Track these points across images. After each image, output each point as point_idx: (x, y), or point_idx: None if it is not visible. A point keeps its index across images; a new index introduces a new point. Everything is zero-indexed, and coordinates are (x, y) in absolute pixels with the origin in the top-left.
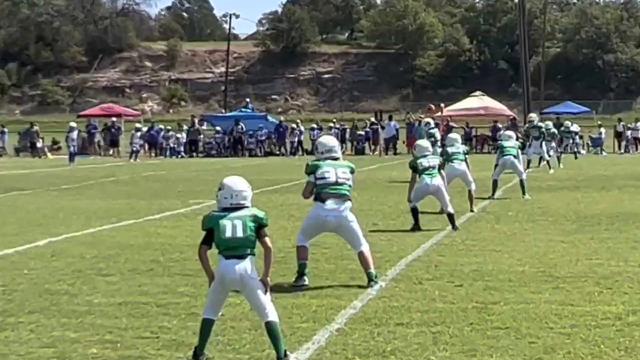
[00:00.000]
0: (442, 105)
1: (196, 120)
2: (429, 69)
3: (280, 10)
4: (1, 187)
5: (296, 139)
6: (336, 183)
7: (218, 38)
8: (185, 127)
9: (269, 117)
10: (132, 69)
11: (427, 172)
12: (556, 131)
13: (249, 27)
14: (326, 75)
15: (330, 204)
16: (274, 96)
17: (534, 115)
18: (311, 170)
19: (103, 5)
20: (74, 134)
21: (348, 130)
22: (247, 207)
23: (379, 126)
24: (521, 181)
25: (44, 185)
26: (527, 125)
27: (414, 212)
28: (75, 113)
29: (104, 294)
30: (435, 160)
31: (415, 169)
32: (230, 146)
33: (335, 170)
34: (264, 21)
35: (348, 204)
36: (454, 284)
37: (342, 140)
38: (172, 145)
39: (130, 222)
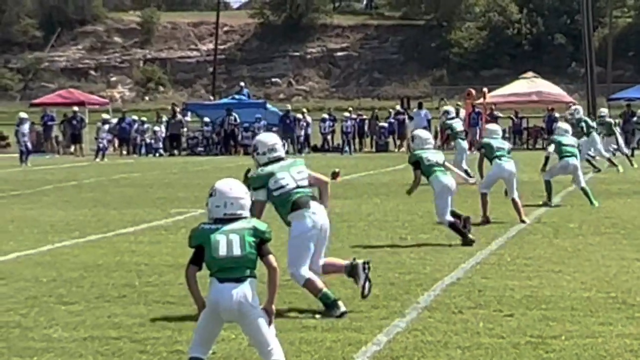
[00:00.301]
0: (485, 89)
1: (178, 110)
2: (468, 45)
3: None
4: None
5: (302, 133)
6: (298, 187)
7: (205, 7)
8: (164, 119)
9: (269, 106)
10: (98, 46)
11: (438, 169)
12: (613, 122)
13: None
14: (339, 53)
15: (313, 206)
16: (274, 79)
17: (575, 108)
18: (262, 183)
19: None
20: (26, 128)
21: (367, 121)
22: (244, 218)
23: (406, 116)
24: (583, 190)
25: None
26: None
27: (453, 227)
28: (28, 101)
29: (65, 327)
30: (441, 157)
31: (419, 166)
32: (220, 142)
33: (289, 173)
34: None
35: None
36: (503, 314)
37: (361, 134)
38: (148, 140)
39: (97, 237)
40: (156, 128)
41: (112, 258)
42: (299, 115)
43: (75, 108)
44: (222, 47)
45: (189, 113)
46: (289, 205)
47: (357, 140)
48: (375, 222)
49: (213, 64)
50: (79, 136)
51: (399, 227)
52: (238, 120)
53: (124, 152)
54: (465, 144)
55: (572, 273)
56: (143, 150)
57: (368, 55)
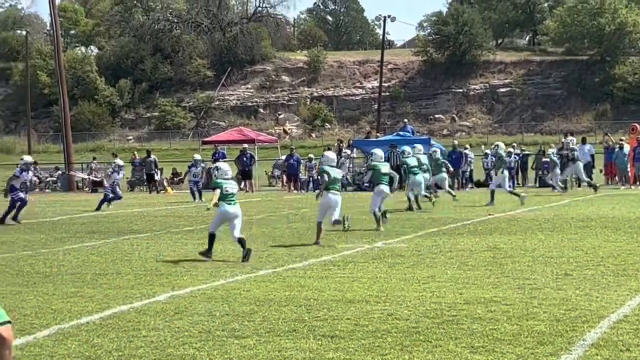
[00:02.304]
0: None
1: (344, 146)
2: (632, 79)
3: (445, 10)
4: (113, 230)
5: (468, 169)
6: None
7: (370, 46)
8: None
9: (433, 142)
10: (267, 84)
11: (228, 198)
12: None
13: (407, 32)
14: (502, 89)
15: None
16: (438, 115)
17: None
18: None
19: (232, 9)
20: (198, 171)
21: (533, 156)
22: None
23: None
24: (374, 214)
25: (164, 226)
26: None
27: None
28: (199, 139)
29: None
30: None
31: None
32: None
33: None
34: (425, 24)
35: None
36: None
37: (524, 169)
38: (315, 176)
39: (268, 272)
40: None
41: (282, 293)
42: (467, 151)
43: (245, 145)
44: (386, 84)
45: (355, 149)
46: None
47: (520, 175)
48: (539, 257)
49: (378, 101)
50: (249, 172)
51: (563, 263)
52: None
53: (292, 189)
54: (419, 178)
55: None
56: (310, 186)
57: (531, 91)
